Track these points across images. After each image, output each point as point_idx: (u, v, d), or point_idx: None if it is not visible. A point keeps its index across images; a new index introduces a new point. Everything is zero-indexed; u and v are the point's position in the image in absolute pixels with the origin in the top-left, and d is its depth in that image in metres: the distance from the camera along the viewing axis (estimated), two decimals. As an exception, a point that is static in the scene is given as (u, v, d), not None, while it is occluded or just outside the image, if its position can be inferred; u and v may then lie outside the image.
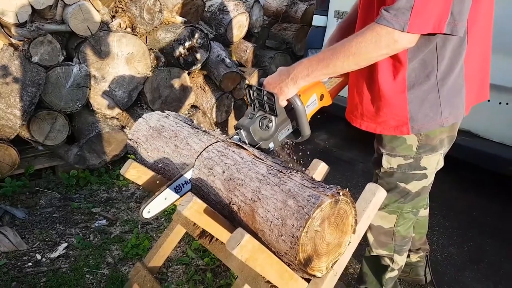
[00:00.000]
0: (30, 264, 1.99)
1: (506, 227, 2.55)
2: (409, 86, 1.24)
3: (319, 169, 1.28)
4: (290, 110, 1.29)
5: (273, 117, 1.27)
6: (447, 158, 1.51)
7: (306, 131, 1.31)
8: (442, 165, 1.44)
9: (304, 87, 1.28)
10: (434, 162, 1.39)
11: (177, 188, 1.17)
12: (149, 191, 2.61)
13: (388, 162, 1.40)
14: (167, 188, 1.13)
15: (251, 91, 1.27)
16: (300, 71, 1.20)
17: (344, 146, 3.77)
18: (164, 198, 1.12)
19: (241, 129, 1.26)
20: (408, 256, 1.75)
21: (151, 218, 1.09)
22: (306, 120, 1.30)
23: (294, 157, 3.28)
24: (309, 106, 1.35)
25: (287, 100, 1.25)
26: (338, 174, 3.20)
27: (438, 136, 1.34)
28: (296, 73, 1.20)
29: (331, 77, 1.52)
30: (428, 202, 1.84)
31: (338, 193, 0.94)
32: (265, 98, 1.23)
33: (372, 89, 1.32)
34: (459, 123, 1.40)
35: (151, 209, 1.09)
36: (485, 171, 2.71)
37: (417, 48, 1.18)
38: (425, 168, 1.38)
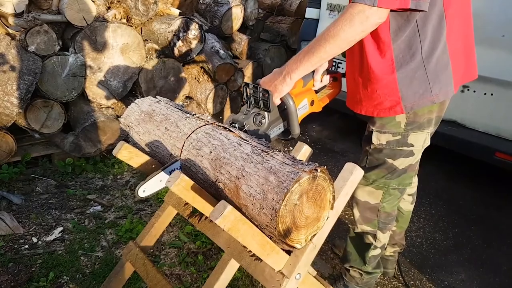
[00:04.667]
0: (26, 246, 2.05)
1: (490, 214, 2.64)
2: (397, 67, 1.33)
3: (303, 151, 1.33)
4: (283, 110, 1.41)
5: (266, 114, 1.36)
6: (434, 148, 1.58)
7: (296, 130, 1.42)
8: (429, 143, 1.53)
9: (297, 90, 1.41)
10: (421, 140, 1.47)
11: (172, 172, 1.23)
12: (141, 173, 2.68)
13: (378, 139, 1.48)
14: (162, 171, 1.20)
15: (248, 89, 1.37)
16: (291, 66, 1.30)
17: (337, 137, 3.83)
18: (160, 180, 1.18)
19: (235, 123, 1.35)
20: (385, 249, 1.84)
21: (145, 197, 1.16)
22: (297, 120, 1.41)
23: (288, 148, 3.35)
24: (300, 109, 1.46)
25: (281, 99, 1.35)
26: (330, 163, 3.27)
27: (427, 115, 1.42)
28: (287, 69, 1.31)
29: (323, 88, 1.66)
30: (415, 197, 1.92)
31: (316, 169, 1.00)
32: (261, 95, 1.33)
33: (364, 74, 1.41)
34: (447, 103, 1.48)
35: (147, 188, 1.15)
36: (471, 160, 2.78)
37: (398, 28, 1.28)
38: (412, 145, 1.46)
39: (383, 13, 1.18)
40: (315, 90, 1.58)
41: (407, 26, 1.28)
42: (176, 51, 3.11)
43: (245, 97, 1.40)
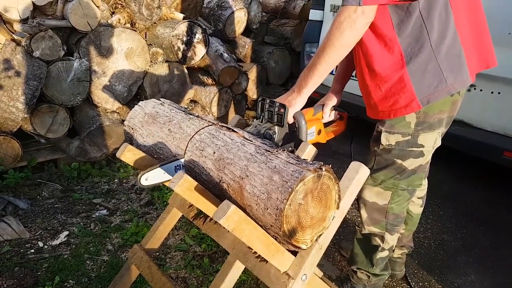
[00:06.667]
0: (32, 251, 2.06)
1: (499, 215, 2.60)
2: (407, 61, 1.31)
3: (307, 151, 1.32)
4: (292, 132, 1.45)
5: (277, 130, 1.40)
6: (441, 148, 1.56)
7: None
8: (440, 144, 1.50)
9: (308, 117, 1.48)
10: (431, 140, 1.44)
11: (178, 167, 1.23)
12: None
13: (387, 139, 1.46)
14: (169, 164, 1.19)
15: (264, 103, 1.41)
16: (300, 83, 1.37)
17: (341, 139, 3.80)
18: (163, 173, 1.17)
19: None
20: (393, 250, 1.81)
21: (147, 186, 1.15)
22: (306, 138, 1.46)
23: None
24: (308, 135, 1.52)
25: (294, 117, 1.41)
26: (335, 165, 3.24)
27: (437, 115, 1.38)
28: (298, 86, 1.38)
29: (330, 124, 1.78)
30: (425, 200, 1.89)
31: (321, 168, 0.99)
32: (276, 109, 1.38)
33: (373, 77, 1.40)
34: (460, 102, 1.44)
35: (149, 177, 1.14)
36: (479, 161, 2.75)
37: (401, 22, 1.27)
38: (422, 146, 1.44)
39: (369, 12, 1.19)
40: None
41: (410, 18, 1.25)
42: (180, 55, 3.12)
43: (259, 112, 1.43)
